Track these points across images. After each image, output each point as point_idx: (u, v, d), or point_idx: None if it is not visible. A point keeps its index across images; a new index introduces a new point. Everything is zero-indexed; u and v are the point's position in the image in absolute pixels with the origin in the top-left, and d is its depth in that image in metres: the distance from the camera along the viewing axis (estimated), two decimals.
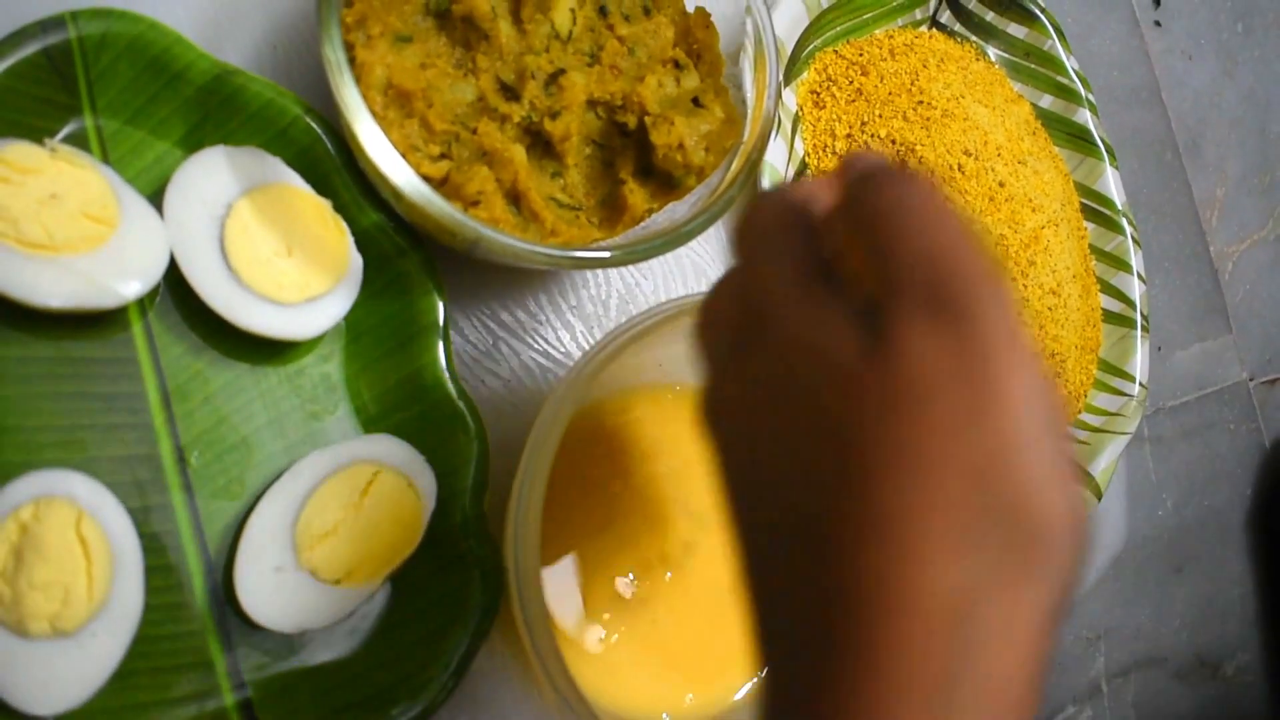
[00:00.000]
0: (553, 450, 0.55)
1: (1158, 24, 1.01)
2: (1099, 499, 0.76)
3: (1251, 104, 1.06)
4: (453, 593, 0.58)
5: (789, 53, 0.75)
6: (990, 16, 0.85)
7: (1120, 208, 0.83)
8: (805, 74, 0.77)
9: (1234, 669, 0.91)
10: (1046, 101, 0.86)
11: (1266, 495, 0.96)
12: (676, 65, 0.63)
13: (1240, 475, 0.96)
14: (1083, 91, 0.85)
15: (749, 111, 0.65)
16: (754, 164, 0.62)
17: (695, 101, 0.63)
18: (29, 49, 0.55)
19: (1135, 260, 0.85)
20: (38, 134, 0.55)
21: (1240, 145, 1.04)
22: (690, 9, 0.66)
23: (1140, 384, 0.81)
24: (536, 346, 0.68)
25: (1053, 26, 0.86)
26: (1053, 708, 0.82)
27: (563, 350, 0.68)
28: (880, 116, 0.77)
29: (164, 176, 0.57)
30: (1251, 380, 0.99)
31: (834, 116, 0.76)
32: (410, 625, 0.58)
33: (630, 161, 0.62)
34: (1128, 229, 0.84)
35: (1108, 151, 0.85)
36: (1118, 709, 0.84)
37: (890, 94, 0.78)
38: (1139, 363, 0.82)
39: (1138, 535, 0.87)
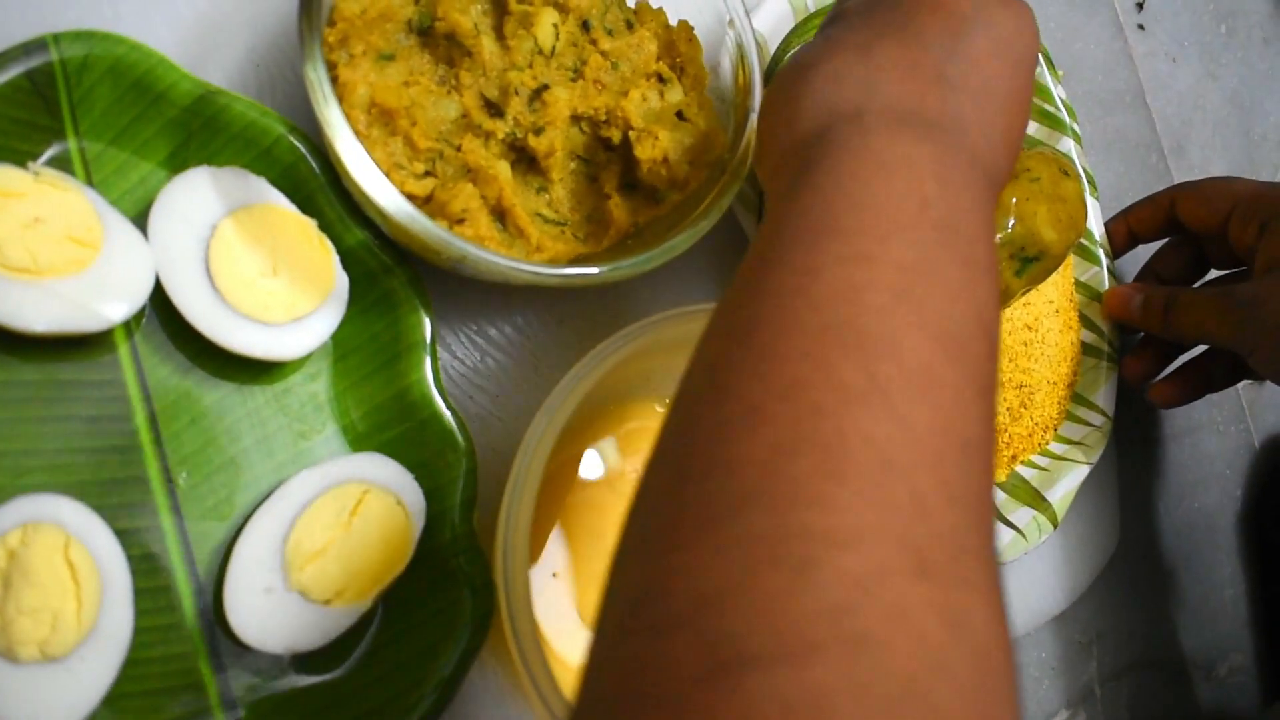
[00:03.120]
0: (542, 465, 0.55)
1: (1141, 27, 1.02)
2: (1054, 526, 0.76)
3: (1235, 106, 1.06)
4: (443, 610, 0.58)
5: (771, 53, 0.75)
6: None
7: (1099, 239, 0.83)
8: None
9: (1227, 670, 0.92)
10: (1031, 129, 0.86)
11: (1257, 496, 0.96)
12: (660, 79, 0.63)
13: (1230, 477, 0.96)
14: (1068, 120, 0.85)
15: (732, 124, 0.65)
16: (738, 177, 0.62)
17: (679, 115, 0.63)
18: (11, 72, 0.55)
19: (1108, 282, 0.84)
20: (21, 157, 0.55)
21: (1225, 147, 1.04)
22: (673, 22, 0.66)
23: (1106, 415, 0.80)
24: (524, 361, 0.67)
25: (1041, 53, 0.85)
26: (1047, 712, 0.82)
27: (550, 365, 0.68)
28: None
29: (148, 198, 0.57)
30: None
31: None
32: (401, 644, 0.58)
33: (615, 176, 0.62)
34: (1104, 259, 0.84)
35: (1089, 183, 0.84)
36: (1112, 712, 0.85)
37: None
38: (1107, 394, 0.81)
39: (1129, 538, 0.87)
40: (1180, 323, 0.69)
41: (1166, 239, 0.82)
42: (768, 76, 0.74)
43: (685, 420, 0.39)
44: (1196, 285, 0.79)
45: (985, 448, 0.38)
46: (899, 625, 0.30)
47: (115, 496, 0.56)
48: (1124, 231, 0.82)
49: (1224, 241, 0.73)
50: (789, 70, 0.52)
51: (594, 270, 0.58)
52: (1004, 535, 0.75)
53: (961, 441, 0.36)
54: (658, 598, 0.33)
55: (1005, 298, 0.68)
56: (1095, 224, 0.83)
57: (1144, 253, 0.84)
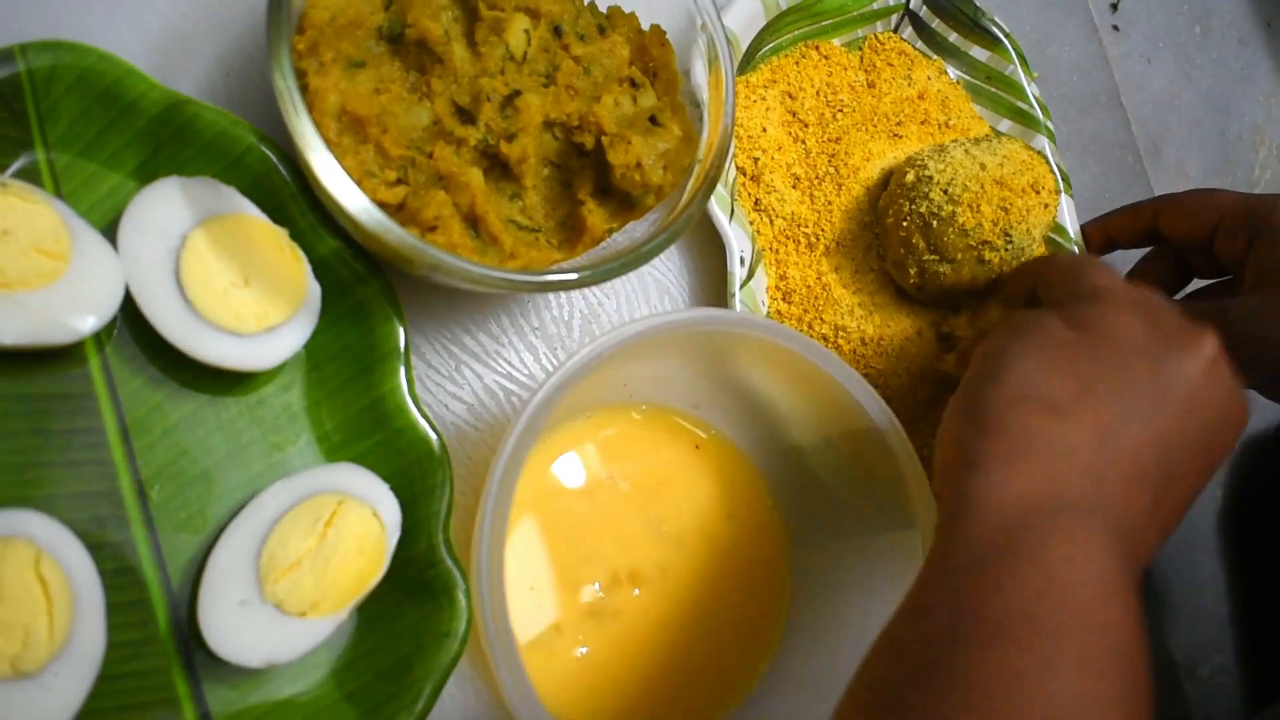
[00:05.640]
0: (518, 474, 0.54)
1: (1116, 28, 1.02)
2: None
3: (1210, 106, 1.06)
4: (420, 621, 0.58)
5: (743, 50, 0.74)
6: (953, 38, 0.85)
7: (1073, 237, 0.83)
8: (753, 75, 0.77)
9: (1209, 670, 0.92)
10: (1005, 126, 0.86)
11: (1237, 496, 0.96)
12: (633, 84, 0.63)
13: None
14: (1041, 118, 0.85)
15: (705, 128, 0.65)
16: (712, 181, 0.62)
17: (652, 120, 0.63)
18: None
19: None
20: None
21: (1201, 147, 1.05)
22: (645, 26, 0.66)
23: None
24: (500, 369, 0.67)
25: (1015, 51, 0.85)
26: None
27: (526, 373, 0.68)
28: (810, 125, 0.77)
29: (118, 209, 0.57)
30: None
31: (772, 118, 0.76)
32: (378, 655, 0.58)
33: (589, 182, 0.62)
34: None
35: (1064, 179, 0.84)
36: None
37: (839, 104, 0.78)
38: None
39: None
40: None
41: (1145, 248, 0.82)
42: (740, 70, 0.74)
43: None
44: (1180, 297, 0.79)
45: None
46: None
47: (87, 510, 0.55)
48: (1102, 237, 0.82)
49: (1209, 253, 0.73)
50: (1017, 376, 0.55)
51: (568, 276, 0.57)
52: None
53: None
54: None
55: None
56: (1070, 222, 0.83)
57: (1119, 256, 0.84)
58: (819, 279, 0.73)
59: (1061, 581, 0.47)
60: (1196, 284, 0.80)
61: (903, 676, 0.46)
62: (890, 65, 0.82)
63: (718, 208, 0.69)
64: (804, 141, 0.76)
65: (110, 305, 0.55)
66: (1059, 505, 0.50)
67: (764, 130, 0.74)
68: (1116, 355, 0.54)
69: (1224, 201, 0.70)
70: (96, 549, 0.54)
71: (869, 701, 0.47)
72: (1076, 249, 0.83)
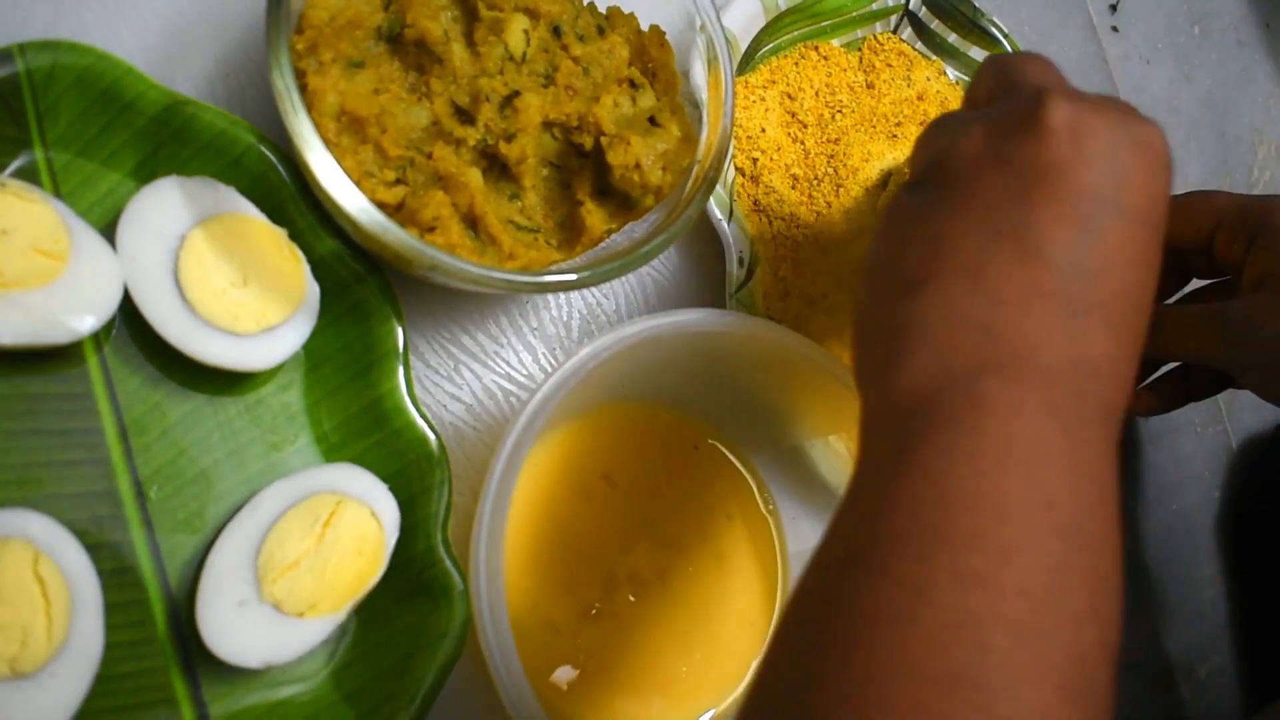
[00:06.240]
0: (516, 474, 0.54)
1: (1115, 29, 1.02)
2: None
3: (1210, 107, 1.06)
4: (418, 622, 0.58)
5: (742, 51, 0.74)
6: (953, 38, 0.85)
7: None
8: (753, 75, 0.77)
9: (1207, 672, 0.92)
10: None
11: (1235, 497, 0.96)
12: (632, 84, 0.63)
13: (1208, 478, 0.96)
14: None
15: (705, 128, 0.65)
16: (711, 182, 0.62)
17: (651, 120, 0.63)
18: None
19: None
20: None
21: (1200, 148, 1.05)
22: (644, 27, 0.66)
23: None
24: (499, 370, 0.67)
25: (1014, 51, 0.85)
26: None
27: (525, 373, 0.68)
28: (809, 126, 0.77)
29: (116, 209, 0.57)
30: None
31: (771, 118, 0.76)
32: (376, 656, 0.58)
33: (588, 182, 0.62)
34: None
35: None
36: None
37: (836, 103, 0.78)
38: None
39: None
40: (1170, 342, 0.68)
41: None
42: (739, 71, 0.74)
43: None
44: (1176, 298, 0.79)
45: None
46: None
47: (85, 510, 0.55)
48: None
49: (1209, 255, 0.72)
50: (882, 271, 0.49)
51: (567, 277, 0.57)
52: None
53: None
54: None
55: None
56: None
57: None
58: (818, 280, 0.73)
59: (960, 475, 0.39)
60: (1195, 283, 0.80)
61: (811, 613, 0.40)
62: (889, 66, 0.82)
63: (716, 208, 0.69)
64: (803, 142, 0.76)
65: (109, 305, 0.55)
66: (944, 383, 0.42)
67: (763, 131, 0.74)
68: (961, 185, 0.47)
69: (1222, 203, 0.70)
70: (95, 549, 0.54)
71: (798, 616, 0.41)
72: None
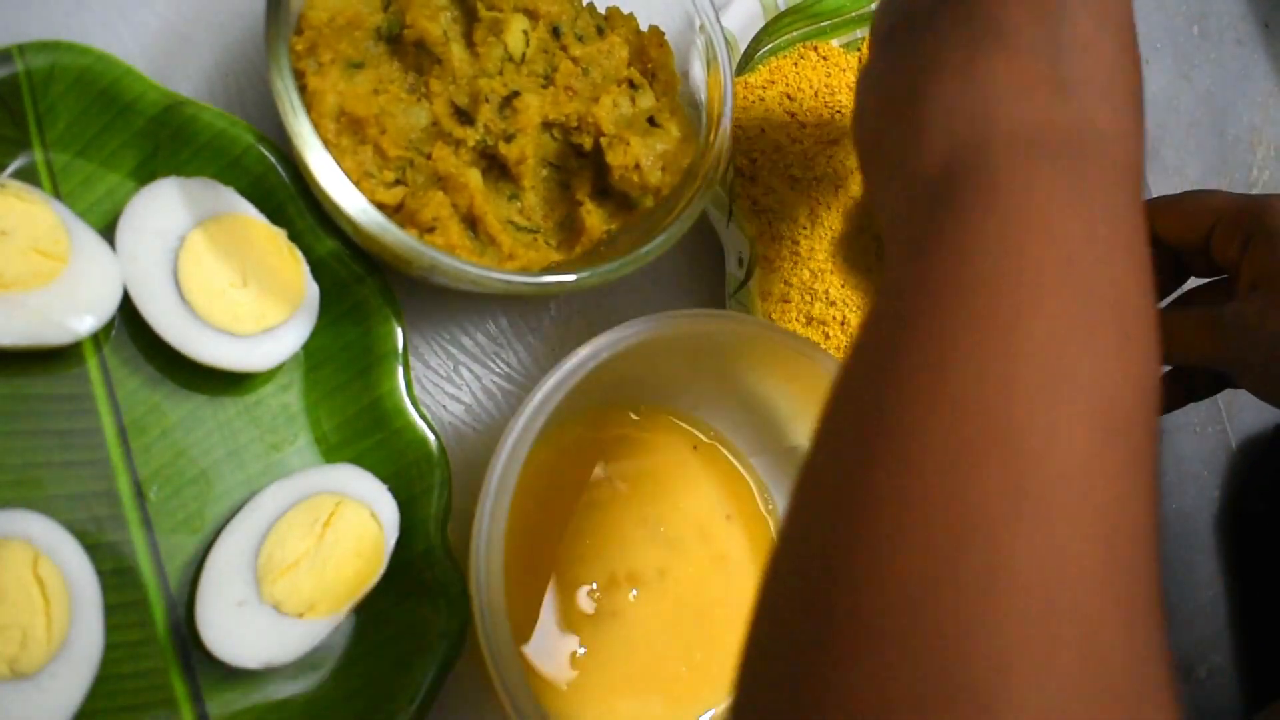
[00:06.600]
0: (516, 475, 0.54)
1: None
2: None
3: (1209, 106, 1.06)
4: (418, 622, 0.58)
5: (741, 51, 0.74)
6: None
7: None
8: (752, 75, 0.77)
9: (1206, 671, 0.92)
10: None
11: (1234, 497, 0.96)
12: (631, 85, 0.63)
13: (1208, 478, 0.96)
14: None
15: (704, 129, 0.65)
16: (710, 182, 0.62)
17: (651, 121, 0.63)
18: None
19: None
20: None
21: (1199, 148, 1.04)
22: (644, 27, 0.66)
23: None
24: (498, 370, 0.67)
25: None
26: None
27: (524, 373, 0.68)
28: (809, 126, 0.77)
29: (116, 209, 0.57)
30: None
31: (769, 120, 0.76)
32: (376, 656, 0.58)
33: (587, 183, 0.62)
34: None
35: None
36: None
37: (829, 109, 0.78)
38: None
39: None
40: (1168, 344, 0.69)
41: None
42: (739, 71, 0.74)
43: (818, 527, 0.37)
44: (1174, 297, 0.79)
45: (1151, 534, 0.35)
46: None
47: (85, 511, 0.55)
48: None
49: (1206, 255, 0.72)
50: (876, 104, 0.49)
51: (566, 278, 0.57)
52: None
53: (1130, 538, 0.34)
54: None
55: None
56: None
57: None
58: (817, 280, 0.73)
59: (1021, 226, 0.39)
60: (1193, 282, 0.80)
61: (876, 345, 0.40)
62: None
63: (715, 209, 0.69)
64: (802, 142, 0.76)
65: (108, 306, 0.55)
66: (953, 171, 0.42)
67: (762, 131, 0.74)
68: (933, 21, 0.48)
69: (1218, 203, 0.70)
70: (94, 549, 0.54)
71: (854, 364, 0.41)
72: None
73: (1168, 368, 0.76)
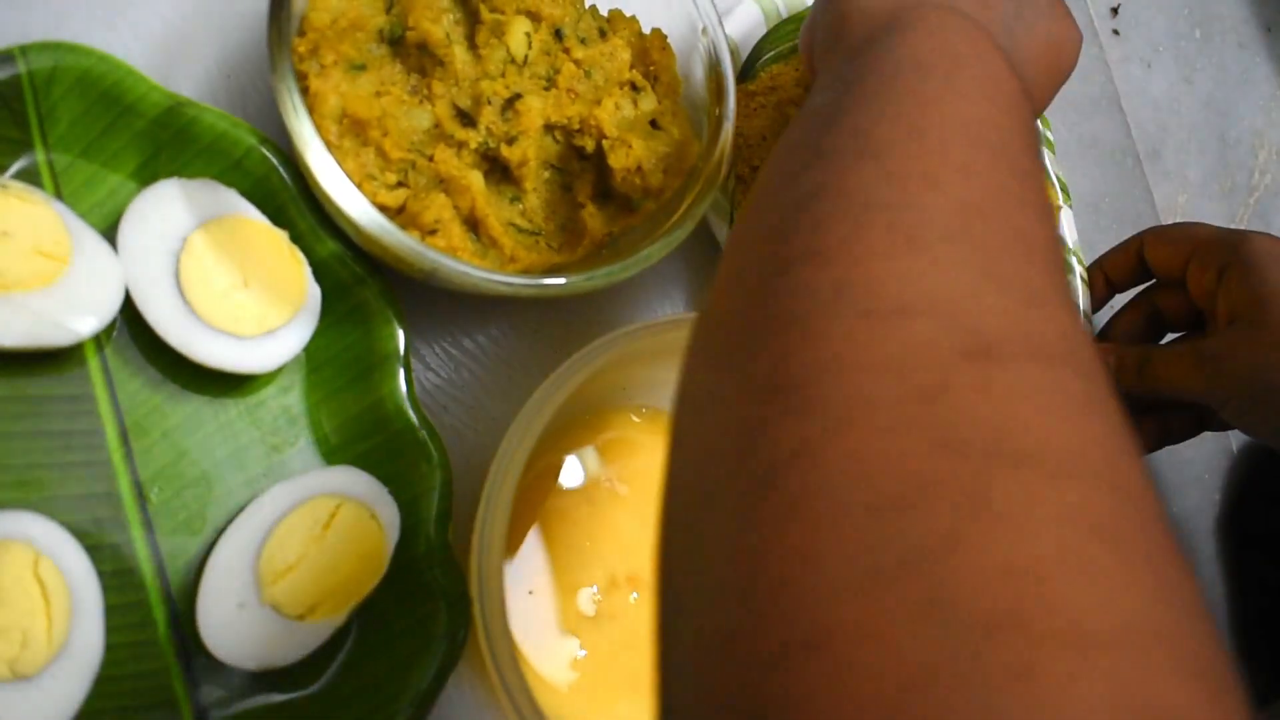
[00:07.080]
0: (516, 477, 0.54)
1: (1116, 33, 1.02)
2: None
3: (1210, 110, 1.06)
4: (418, 624, 0.58)
5: (743, 59, 0.74)
6: None
7: (1071, 247, 0.83)
8: (753, 83, 0.77)
9: None
10: None
11: (1235, 501, 0.96)
12: (634, 87, 0.63)
13: (1209, 481, 0.96)
14: (1041, 129, 0.85)
15: (706, 133, 0.65)
16: (713, 185, 0.62)
17: (653, 124, 0.63)
18: None
19: (1083, 300, 0.84)
20: None
21: (1200, 151, 1.05)
22: (646, 30, 0.66)
23: None
24: (499, 372, 0.67)
25: None
26: None
27: (525, 375, 0.68)
28: None
29: (118, 211, 0.57)
30: None
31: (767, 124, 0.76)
32: (376, 658, 0.58)
33: (589, 185, 0.62)
34: (1077, 268, 0.83)
35: (1062, 190, 0.84)
36: None
37: None
38: None
39: None
40: (1154, 379, 0.70)
41: (1140, 286, 0.82)
42: (740, 78, 0.74)
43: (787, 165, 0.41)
44: (1167, 340, 0.80)
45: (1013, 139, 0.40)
46: None
47: (86, 512, 0.55)
48: (1101, 281, 0.82)
49: (1182, 293, 0.73)
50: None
51: (568, 280, 0.57)
52: None
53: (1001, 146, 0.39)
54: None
55: None
56: (1069, 233, 0.83)
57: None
58: None
59: (943, 36, 0.44)
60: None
61: (808, 138, 0.43)
62: None
63: (716, 216, 0.69)
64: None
65: (110, 307, 0.55)
66: (875, 27, 0.47)
67: (764, 139, 0.74)
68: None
69: (1200, 234, 0.71)
70: (95, 551, 0.54)
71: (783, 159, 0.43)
72: (1075, 260, 0.83)
73: (1147, 408, 0.77)
